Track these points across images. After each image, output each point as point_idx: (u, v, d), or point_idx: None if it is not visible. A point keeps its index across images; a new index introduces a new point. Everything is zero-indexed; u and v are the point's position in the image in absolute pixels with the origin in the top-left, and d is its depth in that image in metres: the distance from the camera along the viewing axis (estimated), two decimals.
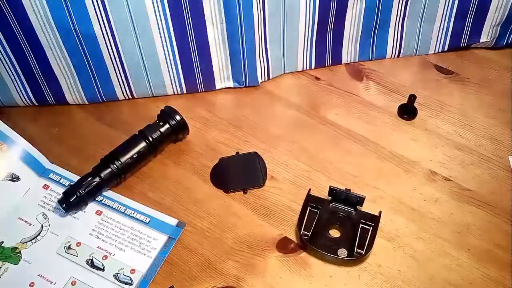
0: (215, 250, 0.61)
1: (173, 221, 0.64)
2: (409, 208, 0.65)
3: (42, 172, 0.69)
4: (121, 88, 0.76)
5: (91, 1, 0.64)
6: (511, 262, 0.59)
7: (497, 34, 0.82)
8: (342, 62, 0.83)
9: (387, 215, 0.63)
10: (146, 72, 0.75)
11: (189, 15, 0.69)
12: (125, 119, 0.76)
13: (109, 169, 0.65)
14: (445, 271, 0.59)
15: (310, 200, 0.64)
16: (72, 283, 0.59)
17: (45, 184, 0.68)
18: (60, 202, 0.63)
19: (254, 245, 0.61)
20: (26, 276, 0.59)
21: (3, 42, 0.68)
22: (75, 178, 0.66)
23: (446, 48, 0.84)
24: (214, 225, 0.63)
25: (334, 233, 0.62)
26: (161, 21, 0.68)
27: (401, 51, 0.84)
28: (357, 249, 0.59)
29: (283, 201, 0.66)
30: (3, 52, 0.69)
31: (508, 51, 0.85)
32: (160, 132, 0.69)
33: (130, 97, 0.78)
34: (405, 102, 0.75)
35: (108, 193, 0.67)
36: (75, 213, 0.65)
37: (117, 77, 0.74)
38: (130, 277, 0.59)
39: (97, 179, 0.64)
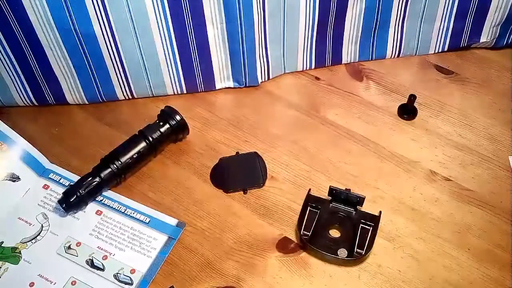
0: (215, 250, 0.61)
1: (173, 221, 0.64)
2: (409, 208, 0.65)
3: (42, 172, 0.69)
4: (121, 88, 0.76)
5: (91, 1, 0.64)
6: (511, 262, 0.59)
7: (497, 34, 0.82)
8: (342, 62, 0.83)
9: (387, 215, 0.63)
10: (146, 72, 0.75)
11: (189, 15, 0.69)
12: (125, 119, 0.76)
13: (109, 169, 0.65)
14: (445, 271, 0.59)
15: (310, 200, 0.64)
16: (72, 283, 0.59)
17: (45, 184, 0.68)
18: (60, 202, 0.63)
19: (254, 245, 0.61)
20: (26, 276, 0.59)
21: (3, 42, 0.68)
22: (75, 178, 0.66)
23: (446, 48, 0.84)
24: (214, 225, 0.63)
25: (334, 233, 0.62)
26: (161, 21, 0.68)
27: (401, 51, 0.83)
28: (357, 249, 0.59)
29: (283, 201, 0.66)
30: (3, 52, 0.69)
31: (508, 51, 0.85)
32: (160, 132, 0.68)
33: (130, 97, 0.78)
34: (405, 102, 0.75)
35: (108, 193, 0.67)
36: (75, 213, 0.65)
37: (117, 77, 0.74)
38: (130, 277, 0.59)
39: (97, 179, 0.64)
